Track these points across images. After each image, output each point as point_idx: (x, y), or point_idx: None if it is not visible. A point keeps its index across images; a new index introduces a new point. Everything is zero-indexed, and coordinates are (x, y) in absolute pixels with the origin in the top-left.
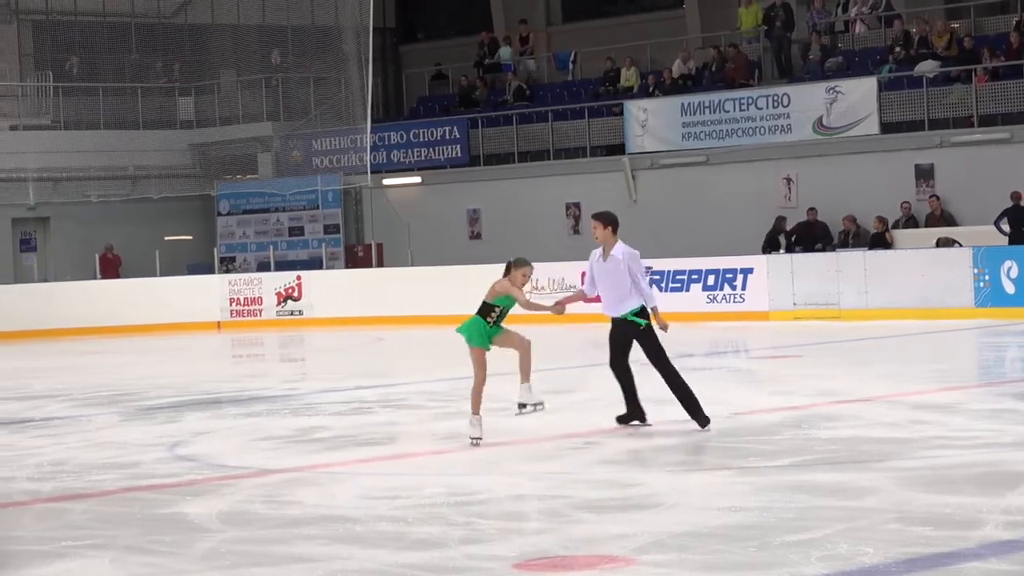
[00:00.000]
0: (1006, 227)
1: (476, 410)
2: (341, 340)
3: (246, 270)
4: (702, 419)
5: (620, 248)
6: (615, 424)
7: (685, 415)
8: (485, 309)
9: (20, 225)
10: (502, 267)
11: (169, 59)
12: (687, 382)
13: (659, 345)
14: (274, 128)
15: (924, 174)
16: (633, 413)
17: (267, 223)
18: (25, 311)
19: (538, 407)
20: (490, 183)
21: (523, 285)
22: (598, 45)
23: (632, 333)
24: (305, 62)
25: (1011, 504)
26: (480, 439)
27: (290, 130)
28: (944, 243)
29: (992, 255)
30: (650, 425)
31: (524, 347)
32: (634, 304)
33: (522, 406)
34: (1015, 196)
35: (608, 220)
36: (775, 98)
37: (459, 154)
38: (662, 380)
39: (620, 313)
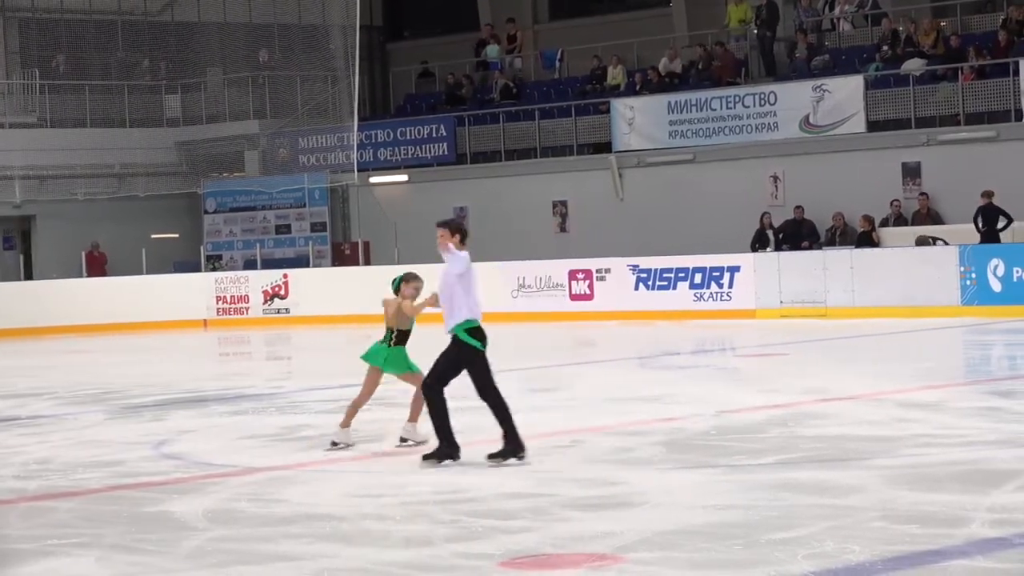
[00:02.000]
0: (981, 226)
1: (347, 423)
2: (327, 338)
3: (233, 268)
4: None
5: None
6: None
7: (674, 413)
8: (386, 334)
9: (4, 223)
10: (490, 265)
11: (155, 57)
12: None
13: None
14: (261, 126)
15: (911, 172)
16: (451, 449)
17: (254, 221)
18: (10, 309)
19: (420, 444)
20: (477, 181)
21: (411, 297)
22: (585, 43)
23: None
24: (292, 60)
25: (996, 502)
26: (346, 446)
27: (277, 128)
28: (921, 242)
29: (979, 253)
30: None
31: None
32: (463, 317)
33: (403, 440)
34: (986, 195)
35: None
36: (762, 96)
37: (446, 152)
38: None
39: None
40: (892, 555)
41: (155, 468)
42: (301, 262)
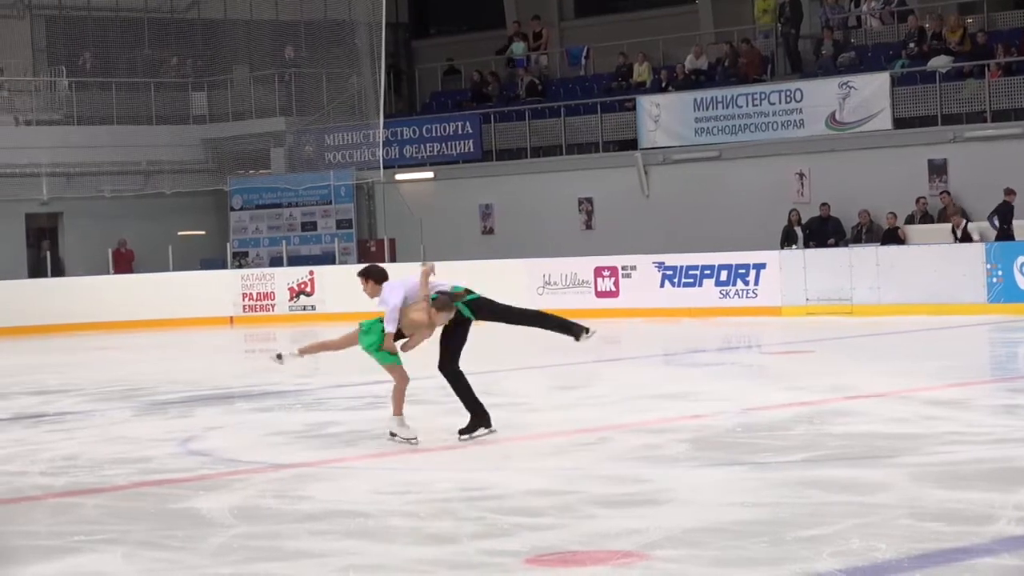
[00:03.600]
0: (996, 223)
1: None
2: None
3: (259, 265)
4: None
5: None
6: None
7: (700, 410)
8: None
9: (33, 220)
10: (515, 262)
11: (182, 54)
12: None
13: None
14: (287, 123)
15: (937, 169)
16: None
17: (280, 218)
18: (38, 306)
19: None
20: (502, 178)
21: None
22: (610, 40)
23: None
24: (318, 57)
25: (1023, 500)
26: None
27: (303, 125)
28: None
29: (1005, 250)
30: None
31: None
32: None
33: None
34: (1007, 193)
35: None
36: (788, 93)
37: (471, 149)
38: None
39: None
40: (919, 553)
41: (181, 465)
42: (327, 259)
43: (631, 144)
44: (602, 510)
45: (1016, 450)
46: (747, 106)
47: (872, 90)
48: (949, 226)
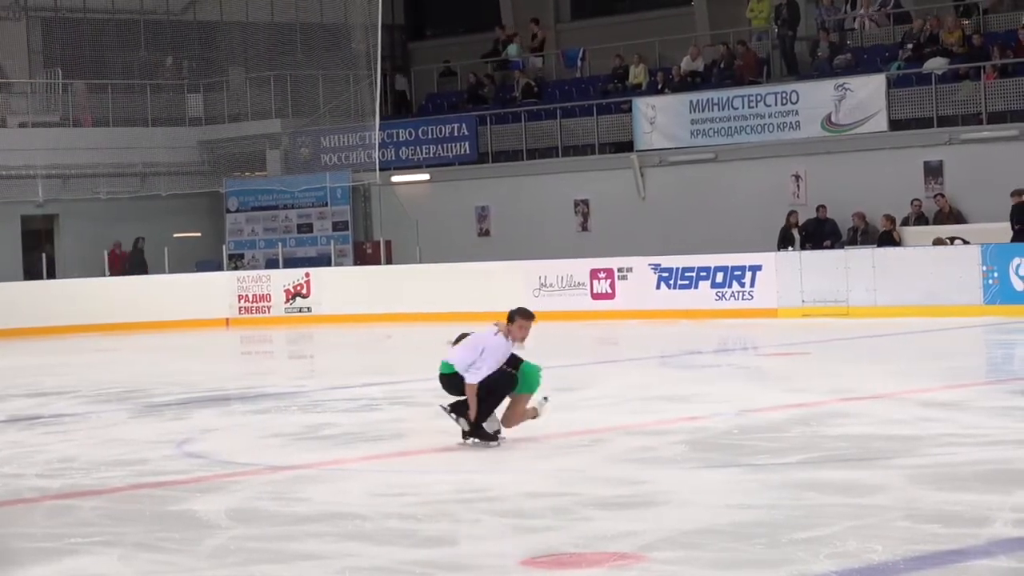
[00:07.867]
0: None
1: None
2: (349, 337)
3: (255, 267)
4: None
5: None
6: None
7: (696, 412)
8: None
9: (29, 222)
10: (511, 264)
11: (178, 56)
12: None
13: None
14: (283, 125)
15: (933, 171)
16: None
17: (276, 220)
18: (34, 308)
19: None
20: (499, 180)
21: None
22: (607, 42)
23: None
24: (314, 59)
25: (1020, 502)
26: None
27: (299, 127)
28: (938, 243)
29: (1001, 252)
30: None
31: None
32: None
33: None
34: (1017, 193)
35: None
36: (784, 95)
37: (467, 151)
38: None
39: None
40: (915, 555)
41: (178, 467)
42: (323, 261)
43: (627, 146)
44: (599, 512)
45: (1012, 452)
46: (743, 108)
47: (868, 92)
48: (943, 229)
